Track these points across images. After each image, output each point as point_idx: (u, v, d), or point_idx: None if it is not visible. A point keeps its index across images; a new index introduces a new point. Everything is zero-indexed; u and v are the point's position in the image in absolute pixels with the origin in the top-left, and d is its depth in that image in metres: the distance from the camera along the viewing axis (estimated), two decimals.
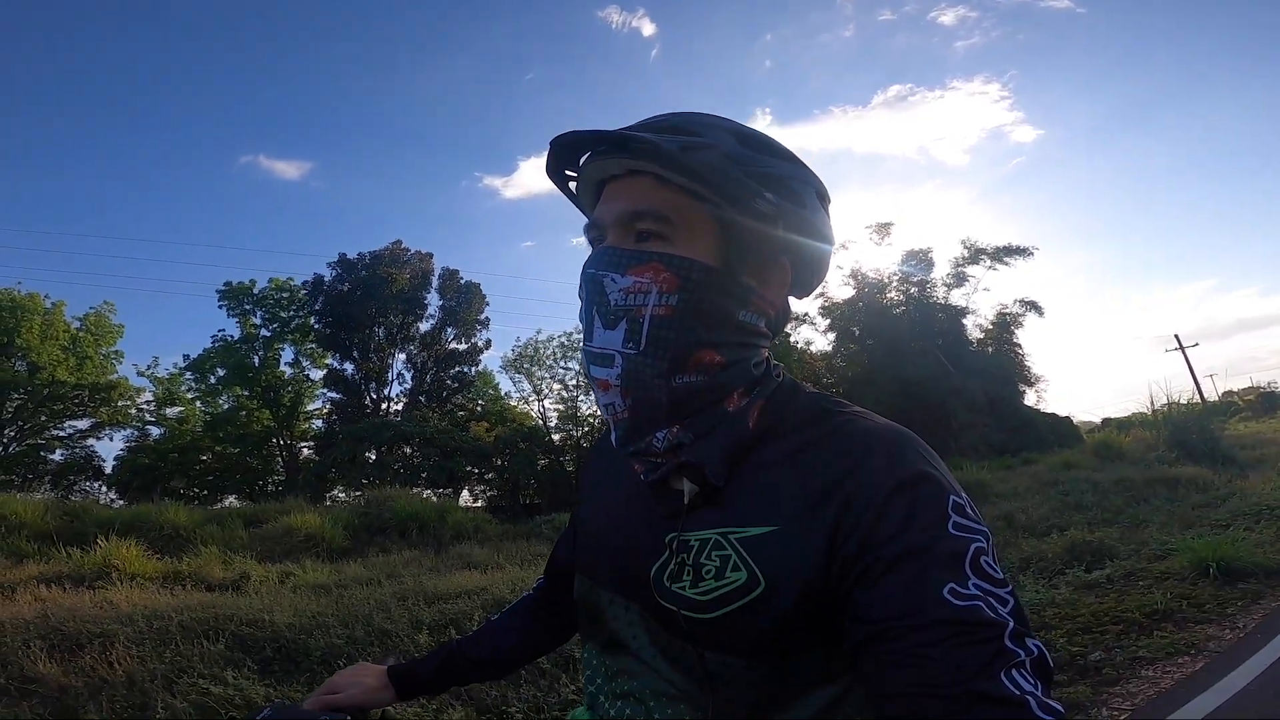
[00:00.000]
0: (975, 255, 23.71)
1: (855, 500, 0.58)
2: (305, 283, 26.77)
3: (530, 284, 66.29)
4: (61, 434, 24.53)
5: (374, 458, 19.64)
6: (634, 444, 0.67)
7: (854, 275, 24.32)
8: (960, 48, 54.51)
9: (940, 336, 23.04)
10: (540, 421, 23.78)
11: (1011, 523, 7.26)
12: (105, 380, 25.38)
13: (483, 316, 28.14)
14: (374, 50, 59.19)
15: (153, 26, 48.58)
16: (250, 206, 49.04)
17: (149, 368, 26.94)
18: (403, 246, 27.39)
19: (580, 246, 0.73)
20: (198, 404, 27.08)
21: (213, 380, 26.73)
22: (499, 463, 19.54)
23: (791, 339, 23.89)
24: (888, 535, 0.55)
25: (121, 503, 18.43)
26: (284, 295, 27.61)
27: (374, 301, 25.61)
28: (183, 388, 27.11)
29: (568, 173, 0.75)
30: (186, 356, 26.75)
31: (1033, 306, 23.83)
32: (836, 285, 24.66)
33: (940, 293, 24.31)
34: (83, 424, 24.84)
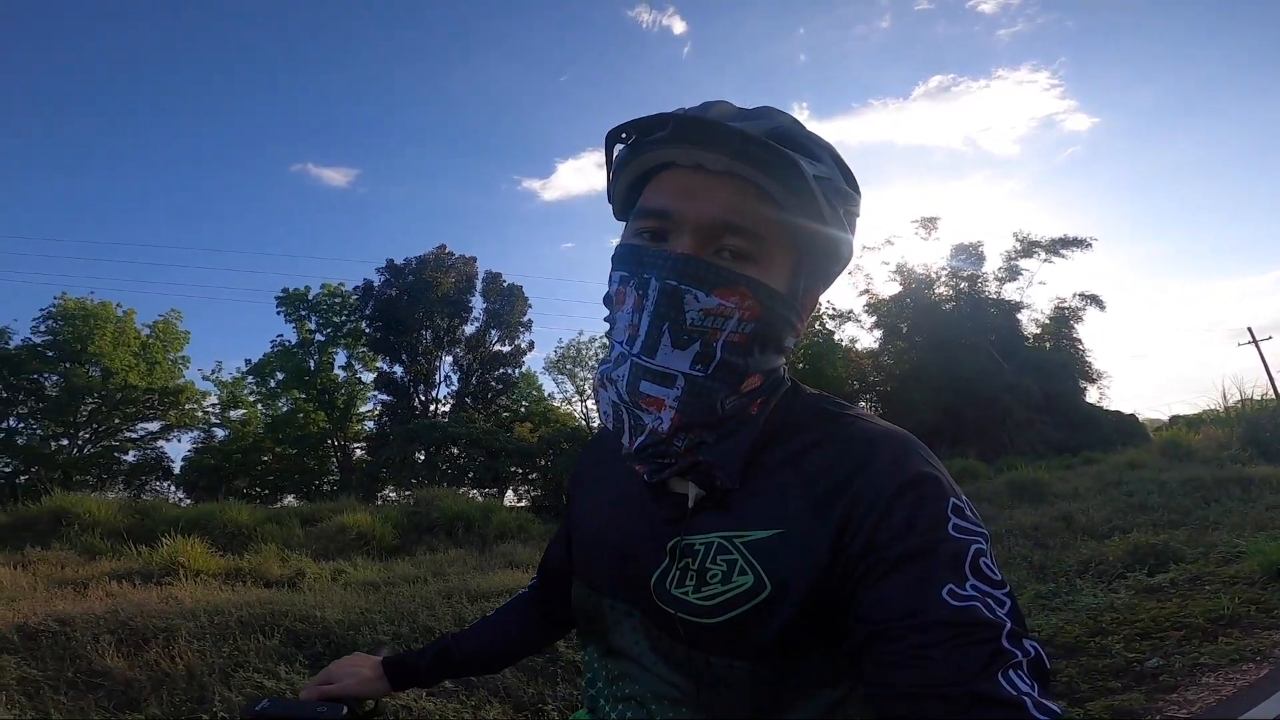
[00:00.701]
0: (1029, 248, 22.94)
1: (859, 502, 0.58)
2: (356, 288, 27.62)
3: (571, 285, 66.72)
4: (134, 436, 25.77)
5: (423, 458, 20.12)
6: (654, 450, 0.65)
7: (900, 271, 23.83)
8: (1004, 35, 52.56)
9: (993, 332, 22.35)
10: (583, 422, 24.04)
11: (1070, 524, 6.98)
12: (173, 384, 26.53)
13: (525, 319, 28.55)
14: (409, 57, 60.48)
15: (215, 42, 50.86)
16: (301, 214, 50.82)
17: (213, 372, 28.11)
18: (447, 251, 27.99)
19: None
20: (259, 406, 28.10)
21: (272, 384, 27.73)
22: (542, 463, 19.74)
23: (836, 336, 23.48)
24: (891, 536, 0.56)
25: (188, 501, 19.30)
26: (336, 301, 28.52)
27: (421, 306, 26.26)
28: (245, 391, 28.20)
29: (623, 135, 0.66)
30: (248, 361, 27.87)
31: (1093, 300, 22.96)
32: (882, 281, 24.27)
33: (992, 287, 23.63)
34: (153, 426, 26.01)
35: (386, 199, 53.90)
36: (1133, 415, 21.93)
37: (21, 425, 23.96)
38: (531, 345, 28.74)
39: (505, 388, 28.32)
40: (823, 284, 0.72)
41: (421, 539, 9.28)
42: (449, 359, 27.71)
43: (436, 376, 27.35)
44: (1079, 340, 23.23)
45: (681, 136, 0.61)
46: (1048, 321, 23.61)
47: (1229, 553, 5.26)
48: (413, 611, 4.49)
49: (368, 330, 27.20)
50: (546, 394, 29.58)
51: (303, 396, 27.37)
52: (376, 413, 27.76)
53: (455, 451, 20.41)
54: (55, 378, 24.14)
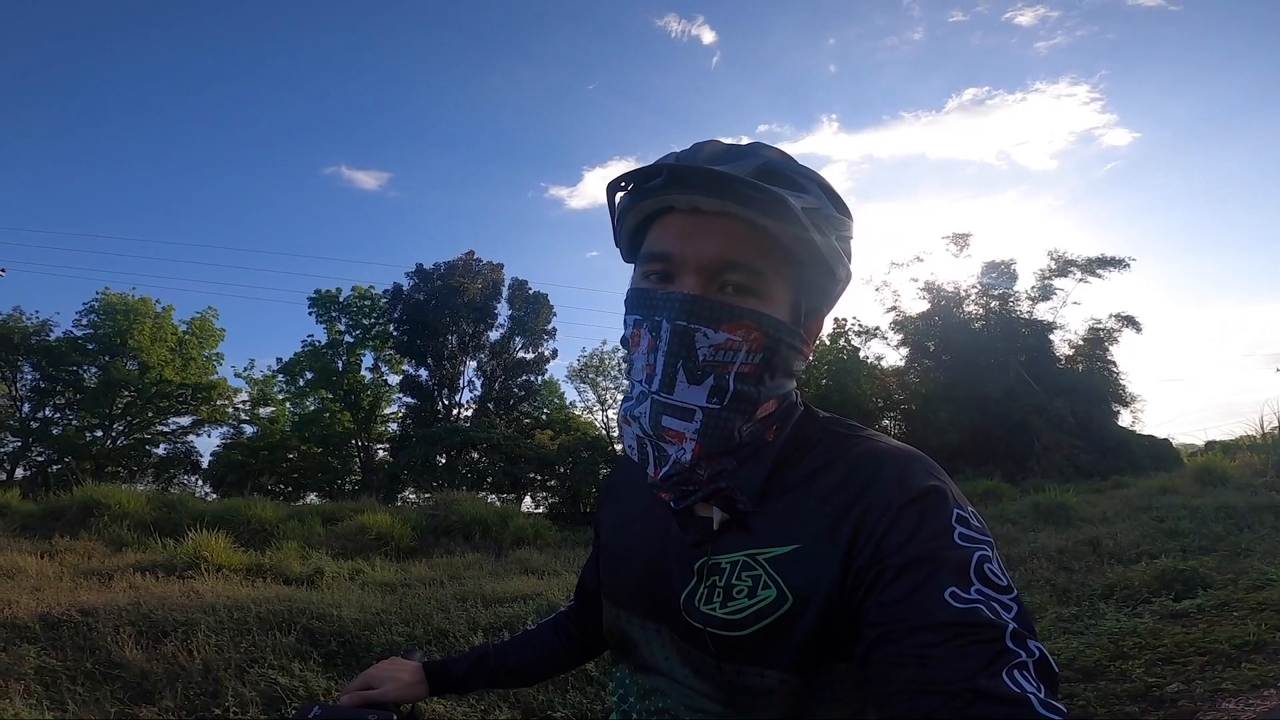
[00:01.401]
0: (1064, 267, 22.42)
1: (869, 516, 0.61)
2: (385, 291, 28.03)
3: (595, 295, 66.94)
4: (165, 429, 26.43)
5: (444, 461, 20.30)
6: (679, 479, 0.68)
7: (929, 288, 23.42)
8: (1042, 48, 51.45)
9: (1023, 353, 21.90)
10: (603, 431, 24.00)
11: (1096, 548, 6.78)
12: (207, 380, 27.13)
13: (550, 327, 28.67)
14: (441, 63, 61.51)
15: (255, 47, 52.34)
16: (334, 216, 51.89)
17: (245, 369, 28.67)
18: (475, 257, 28.29)
19: None
20: (288, 405, 28.60)
21: (301, 383, 28.20)
22: (561, 470, 19.81)
23: (861, 354, 23.18)
24: (896, 545, 0.59)
25: (214, 496, 19.72)
26: (366, 303, 28.97)
27: (448, 310, 26.53)
28: (275, 389, 28.72)
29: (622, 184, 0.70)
30: (279, 359, 28.36)
31: (1129, 322, 22.30)
32: (910, 298, 23.84)
33: (1024, 306, 23.12)
34: (185, 421, 26.68)
35: (417, 203, 54.81)
36: (1166, 440, 21.27)
37: (58, 415, 24.71)
38: (555, 353, 28.84)
39: (527, 394, 28.46)
40: (825, 306, 0.75)
41: (439, 541, 9.37)
42: (473, 364, 27.94)
43: (460, 381, 27.58)
44: (1113, 363, 22.61)
45: (675, 183, 0.65)
46: (1081, 343, 23.01)
47: (1259, 579, 5.10)
48: (427, 614, 4.53)
49: (395, 333, 27.55)
50: (568, 402, 29.61)
51: (330, 396, 27.76)
52: (400, 415, 28.07)
53: (475, 456, 20.59)
54: (94, 370, 24.86)
